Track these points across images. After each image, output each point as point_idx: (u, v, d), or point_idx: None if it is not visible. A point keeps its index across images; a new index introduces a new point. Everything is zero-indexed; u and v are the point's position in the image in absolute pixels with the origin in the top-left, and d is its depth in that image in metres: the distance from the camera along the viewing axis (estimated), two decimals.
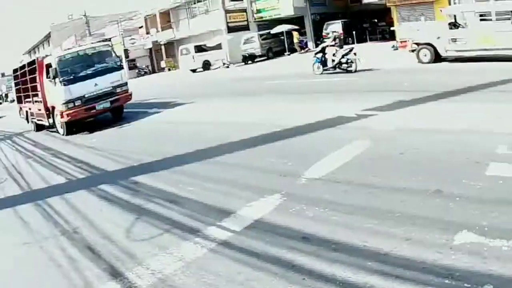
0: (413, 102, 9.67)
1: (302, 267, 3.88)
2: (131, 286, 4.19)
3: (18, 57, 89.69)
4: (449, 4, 21.32)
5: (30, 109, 18.00)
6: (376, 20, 33.88)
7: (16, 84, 19.80)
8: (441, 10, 19.16)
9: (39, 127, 17.52)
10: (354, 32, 32.08)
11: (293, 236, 4.49)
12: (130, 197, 6.92)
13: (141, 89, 26.68)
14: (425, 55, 16.23)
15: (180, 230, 5.23)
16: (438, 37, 15.80)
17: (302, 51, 33.32)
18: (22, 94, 18.65)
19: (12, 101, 34.63)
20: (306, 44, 34.92)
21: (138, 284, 4.19)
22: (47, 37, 68.23)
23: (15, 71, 19.35)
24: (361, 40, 32.07)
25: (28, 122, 19.08)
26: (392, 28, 25.85)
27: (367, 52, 23.70)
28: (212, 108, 15.18)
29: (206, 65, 36.79)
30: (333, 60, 16.65)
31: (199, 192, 6.46)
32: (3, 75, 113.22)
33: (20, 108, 20.29)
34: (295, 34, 33.72)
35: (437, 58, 15.96)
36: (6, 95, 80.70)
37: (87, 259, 4.98)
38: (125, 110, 16.20)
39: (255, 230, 4.82)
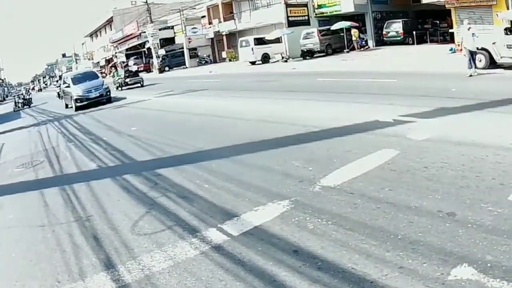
0: (456, 110, 9.10)
1: (282, 283, 3.68)
2: (118, 279, 4.28)
3: (80, 40, 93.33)
4: (507, 8, 20.11)
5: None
6: (437, 21, 32.57)
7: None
8: (497, 15, 18.15)
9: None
10: (414, 33, 31.00)
11: (284, 248, 4.29)
12: (148, 189, 6.98)
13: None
14: (480, 60, 15.36)
15: (182, 228, 5.22)
16: (494, 43, 14.94)
17: (362, 49, 32.54)
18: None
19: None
20: (366, 42, 34.10)
21: (125, 278, 4.27)
22: (109, 21, 70.27)
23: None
24: (421, 41, 30.95)
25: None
26: (451, 30, 24.73)
27: (423, 54, 22.96)
28: (252, 103, 15.12)
29: (265, 58, 36.81)
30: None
31: (213, 190, 6.40)
32: (64, 55, 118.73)
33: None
34: (354, 31, 32.95)
35: (492, 63, 15.09)
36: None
37: (89, 247, 5.16)
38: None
39: (251, 237, 4.68)
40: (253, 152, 8.10)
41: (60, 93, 35.82)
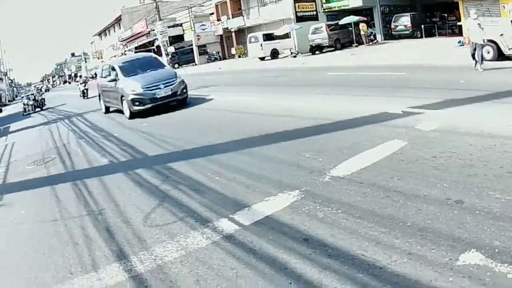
0: (464, 101, 9.09)
1: (293, 270, 3.72)
2: (131, 269, 4.33)
3: (89, 39, 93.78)
4: None
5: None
6: (445, 14, 32.39)
7: None
8: (504, 7, 18.02)
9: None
10: (422, 26, 30.84)
11: (295, 236, 4.34)
12: (160, 182, 7.05)
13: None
14: (488, 52, 15.30)
15: (193, 219, 5.28)
16: (501, 34, 14.86)
17: (370, 43, 32.44)
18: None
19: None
20: (374, 36, 33.99)
21: (138, 268, 4.32)
22: (118, 19, 70.35)
23: None
24: (430, 34, 30.80)
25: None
26: (459, 23, 24.58)
27: (431, 47, 22.87)
28: (261, 98, 15.16)
29: (274, 54, 36.85)
30: None
31: (224, 182, 6.45)
32: (73, 55, 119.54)
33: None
34: (362, 26, 32.86)
35: (500, 55, 15.04)
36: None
37: (102, 239, 5.22)
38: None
39: (262, 226, 4.74)
40: (264, 144, 8.13)
41: (84, 91, 32.41)
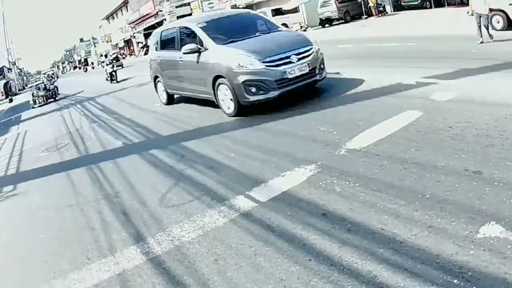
0: (478, 71, 8.88)
1: (312, 246, 3.72)
2: (148, 251, 4.35)
3: (98, 23, 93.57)
4: None
5: None
6: None
7: None
8: None
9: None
10: None
11: (313, 211, 4.32)
12: (175, 162, 7.06)
13: None
14: (498, 22, 14.87)
15: (210, 197, 5.30)
16: (510, 4, 14.46)
17: (380, 14, 31.90)
18: None
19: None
20: (384, 7, 33.37)
21: (155, 250, 4.35)
22: (125, 2, 70.00)
23: None
24: (439, 4, 30.15)
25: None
26: None
27: (442, 17, 22.43)
28: None
29: None
30: None
31: (239, 159, 6.44)
32: (81, 40, 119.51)
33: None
34: None
35: (510, 25, 14.59)
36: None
37: (118, 222, 5.25)
38: None
39: (279, 202, 4.73)
40: (277, 120, 8.05)
41: (112, 73, 26.81)
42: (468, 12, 12.88)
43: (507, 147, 4.89)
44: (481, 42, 12.82)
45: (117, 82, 26.05)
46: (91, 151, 9.54)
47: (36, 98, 24.62)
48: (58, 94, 26.45)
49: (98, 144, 9.97)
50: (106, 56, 37.93)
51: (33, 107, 24.07)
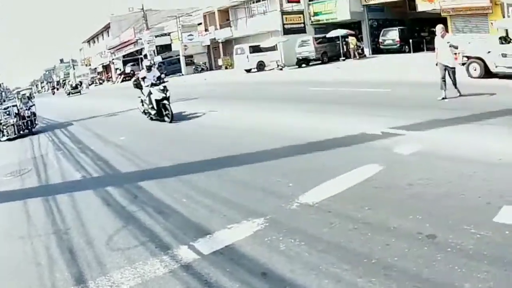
0: (447, 122, 8.91)
1: None
2: None
3: (78, 45, 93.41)
4: (503, 17, 19.95)
5: None
6: (434, 29, 32.37)
7: None
8: (492, 23, 17.97)
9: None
10: (410, 41, 30.84)
11: (253, 270, 4.11)
12: (128, 202, 6.85)
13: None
14: (475, 70, 15.21)
15: (155, 245, 5.11)
16: (489, 52, 14.74)
17: (358, 57, 32.40)
18: None
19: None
20: (362, 50, 34.00)
21: None
22: (107, 27, 70.04)
23: None
24: (418, 49, 30.82)
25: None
26: None
27: (419, 63, 22.81)
28: (236, 113, 14.92)
29: (260, 66, 36.65)
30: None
31: (190, 205, 6.24)
32: (61, 61, 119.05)
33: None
34: (352, 39, 32.80)
35: (488, 73, 14.89)
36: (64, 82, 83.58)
37: (63, 261, 5.11)
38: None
39: (221, 256, 4.53)
40: (236, 165, 7.92)
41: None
42: (437, 64, 12.36)
43: (467, 208, 4.77)
44: (443, 98, 11.59)
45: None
46: (51, 181, 9.31)
47: (4, 128, 17.64)
48: (36, 124, 19.14)
49: (59, 174, 9.71)
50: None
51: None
